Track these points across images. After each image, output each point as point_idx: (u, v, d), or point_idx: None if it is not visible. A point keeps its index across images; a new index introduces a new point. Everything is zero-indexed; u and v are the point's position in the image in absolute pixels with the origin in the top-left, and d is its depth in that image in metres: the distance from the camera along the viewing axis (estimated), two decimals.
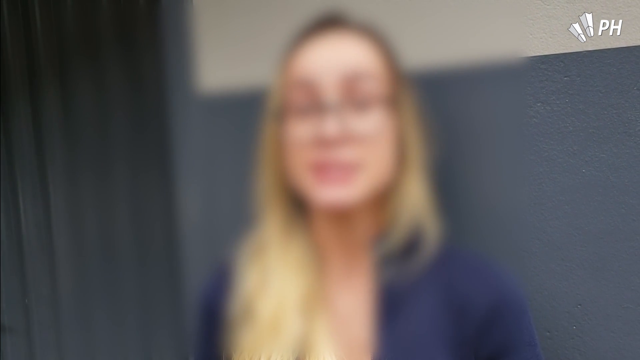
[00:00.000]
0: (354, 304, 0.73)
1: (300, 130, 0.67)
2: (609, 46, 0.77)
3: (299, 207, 0.74)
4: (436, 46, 0.86)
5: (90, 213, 1.52)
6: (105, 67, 1.45)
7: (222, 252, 0.81)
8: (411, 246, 0.72)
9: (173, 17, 1.13)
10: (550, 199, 0.82)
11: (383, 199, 0.72)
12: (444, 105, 0.84)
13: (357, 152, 0.66)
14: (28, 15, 1.54)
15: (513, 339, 0.71)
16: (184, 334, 1.36)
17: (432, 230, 0.72)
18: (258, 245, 0.76)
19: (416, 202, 0.72)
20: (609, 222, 0.80)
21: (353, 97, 0.66)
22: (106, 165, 1.48)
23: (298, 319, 0.70)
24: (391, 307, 0.71)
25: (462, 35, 0.85)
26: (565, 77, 0.80)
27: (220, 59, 1.06)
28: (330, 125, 0.65)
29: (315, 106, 0.66)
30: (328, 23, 0.72)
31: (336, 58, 0.68)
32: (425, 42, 0.86)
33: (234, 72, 1.05)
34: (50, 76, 1.53)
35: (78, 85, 1.50)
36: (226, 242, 0.80)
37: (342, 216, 0.71)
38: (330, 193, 0.66)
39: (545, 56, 0.80)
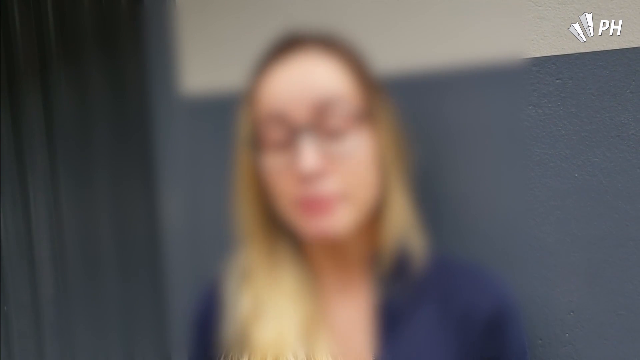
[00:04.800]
0: (353, 323, 0.71)
1: (277, 164, 0.64)
2: (608, 46, 0.76)
3: (286, 229, 0.71)
4: (424, 48, 0.85)
5: (71, 220, 1.49)
6: (87, 69, 1.43)
7: (206, 260, 0.79)
8: (403, 263, 0.70)
9: (155, 19, 1.10)
10: (542, 204, 0.81)
11: (373, 219, 0.70)
12: (431, 109, 0.82)
13: (340, 181, 0.63)
14: (7, 15, 1.51)
15: (513, 346, 0.71)
16: (167, 343, 1.33)
17: (420, 243, 0.71)
18: (246, 269, 0.73)
19: (402, 217, 0.70)
20: (602, 228, 0.78)
21: (327, 123, 0.63)
22: (87, 170, 1.45)
23: (299, 346, 0.68)
24: (391, 323, 0.69)
25: (453, 37, 0.83)
26: (558, 79, 0.78)
27: (204, 61, 1.04)
28: (308, 159, 0.61)
29: (289, 135, 0.63)
30: (291, 43, 0.68)
31: (304, 84, 0.64)
32: (413, 44, 0.84)
33: (218, 75, 1.02)
34: (29, 79, 1.50)
35: (58, 88, 1.47)
36: (210, 250, 0.78)
37: (334, 243, 0.69)
38: (318, 225, 0.64)
39: (537, 58, 0.79)
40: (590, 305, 0.80)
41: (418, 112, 0.72)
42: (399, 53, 0.72)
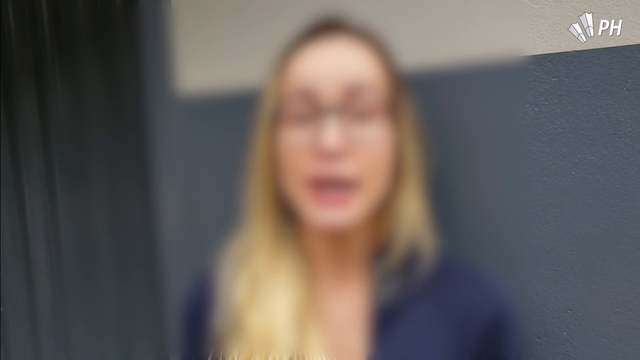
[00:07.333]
0: (348, 315, 0.71)
1: (297, 140, 0.65)
2: (605, 43, 0.76)
3: (289, 215, 0.71)
4: (420, 47, 0.84)
5: (67, 220, 1.49)
6: (82, 69, 1.42)
7: (203, 258, 0.79)
8: (409, 260, 0.70)
9: (151, 18, 1.10)
10: (540, 202, 0.81)
11: (379, 213, 0.70)
12: (429, 108, 0.82)
13: (357, 167, 0.63)
14: (1, 15, 1.50)
15: (508, 349, 0.72)
16: (165, 342, 1.33)
17: (430, 244, 0.71)
18: (244, 253, 0.73)
19: (414, 216, 0.70)
20: (599, 226, 0.78)
21: (354, 106, 0.64)
22: (83, 170, 1.44)
23: (291, 333, 0.68)
24: (387, 319, 0.69)
25: (449, 36, 0.83)
26: (554, 77, 0.78)
27: (200, 61, 1.04)
28: (331, 135, 0.62)
29: (315, 113, 0.64)
30: (327, 27, 0.69)
31: (337, 66, 0.65)
32: (409, 43, 0.84)
33: (214, 74, 1.02)
34: (24, 79, 1.49)
35: (54, 88, 1.46)
36: (206, 249, 0.78)
37: (336, 233, 0.69)
38: (327, 215, 0.64)
39: (534, 56, 0.79)
40: (588, 303, 0.80)
41: (419, 112, 0.72)
42: (395, 52, 0.72)
